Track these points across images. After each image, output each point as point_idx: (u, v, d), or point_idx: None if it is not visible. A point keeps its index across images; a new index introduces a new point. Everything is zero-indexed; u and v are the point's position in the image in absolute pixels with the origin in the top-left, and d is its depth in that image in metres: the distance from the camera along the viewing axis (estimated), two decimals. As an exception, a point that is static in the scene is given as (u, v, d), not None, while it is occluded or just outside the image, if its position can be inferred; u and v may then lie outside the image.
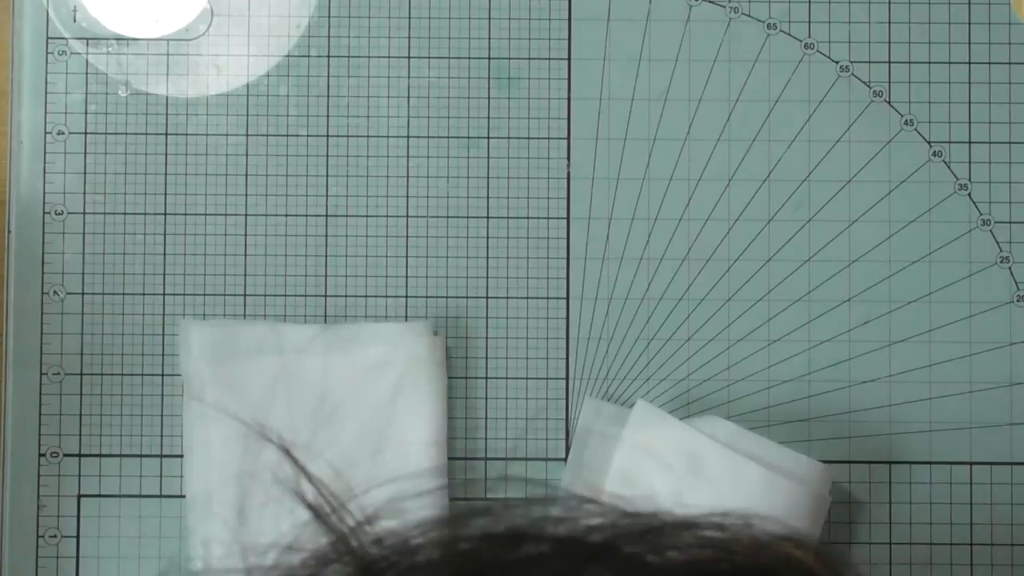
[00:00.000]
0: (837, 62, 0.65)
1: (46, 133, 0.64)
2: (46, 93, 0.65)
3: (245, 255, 0.64)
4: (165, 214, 0.64)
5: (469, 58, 0.65)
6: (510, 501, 0.28)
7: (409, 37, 0.65)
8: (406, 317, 0.64)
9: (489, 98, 0.65)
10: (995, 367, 0.64)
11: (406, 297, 0.64)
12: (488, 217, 0.65)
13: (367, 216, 0.64)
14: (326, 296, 0.64)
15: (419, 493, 0.29)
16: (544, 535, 0.27)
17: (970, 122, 0.65)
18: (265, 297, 0.64)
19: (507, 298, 0.64)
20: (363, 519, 0.29)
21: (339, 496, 0.30)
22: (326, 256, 0.64)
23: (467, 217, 0.65)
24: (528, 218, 0.65)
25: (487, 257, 0.64)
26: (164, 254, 0.64)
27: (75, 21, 0.65)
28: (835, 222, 0.64)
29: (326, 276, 0.64)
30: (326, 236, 0.64)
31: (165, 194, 0.64)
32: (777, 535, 0.28)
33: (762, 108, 0.65)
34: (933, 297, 0.64)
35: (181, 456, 0.63)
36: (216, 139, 0.65)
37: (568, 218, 0.65)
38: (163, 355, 0.64)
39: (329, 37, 0.65)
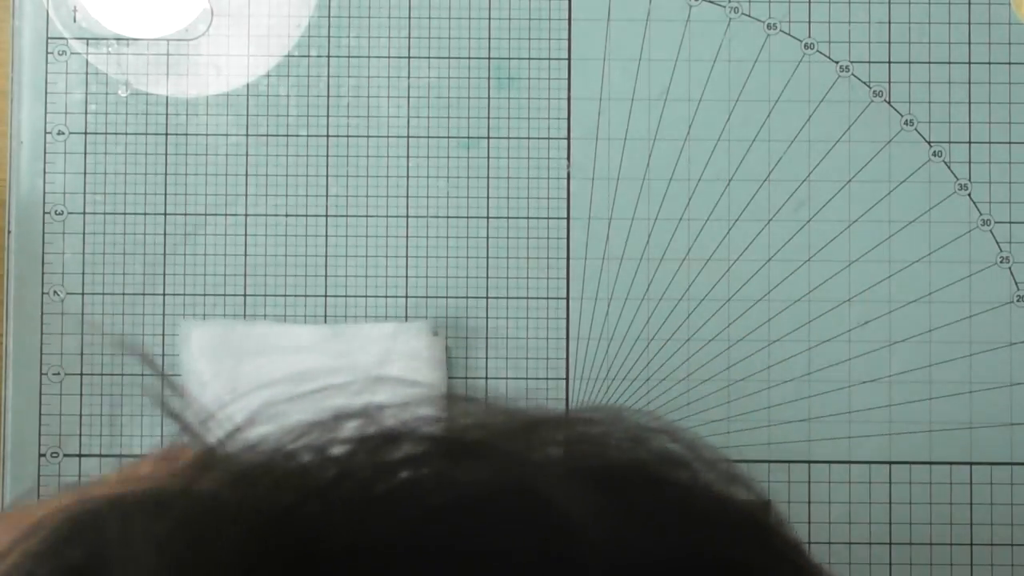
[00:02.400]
0: (837, 62, 0.65)
1: (46, 133, 0.64)
2: (46, 93, 0.65)
3: (245, 255, 0.64)
4: (165, 214, 0.64)
5: (469, 58, 0.65)
6: (383, 404, 0.28)
7: (409, 37, 0.65)
8: (406, 317, 0.64)
9: (489, 98, 0.65)
10: (995, 367, 0.64)
11: (406, 297, 0.64)
12: (488, 217, 0.65)
13: (367, 216, 0.64)
14: (326, 296, 0.64)
15: (294, 397, 0.28)
16: (420, 435, 0.27)
17: (970, 122, 0.65)
18: (265, 297, 0.64)
19: (507, 298, 0.64)
20: (233, 427, 0.28)
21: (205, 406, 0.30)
22: (326, 256, 0.64)
23: (467, 217, 0.65)
24: (528, 218, 0.65)
25: (487, 257, 0.64)
26: (164, 254, 0.64)
27: (75, 21, 0.65)
28: (835, 222, 0.64)
29: (326, 276, 0.64)
30: (326, 236, 0.64)
31: (165, 194, 0.64)
32: (651, 428, 0.27)
33: (762, 108, 0.65)
34: (933, 297, 0.64)
35: (181, 456, 0.63)
36: (216, 139, 0.65)
37: (568, 218, 0.65)
38: (163, 355, 0.64)
39: (329, 37, 0.65)
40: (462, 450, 0.27)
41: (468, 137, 0.65)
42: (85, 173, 0.65)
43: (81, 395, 0.64)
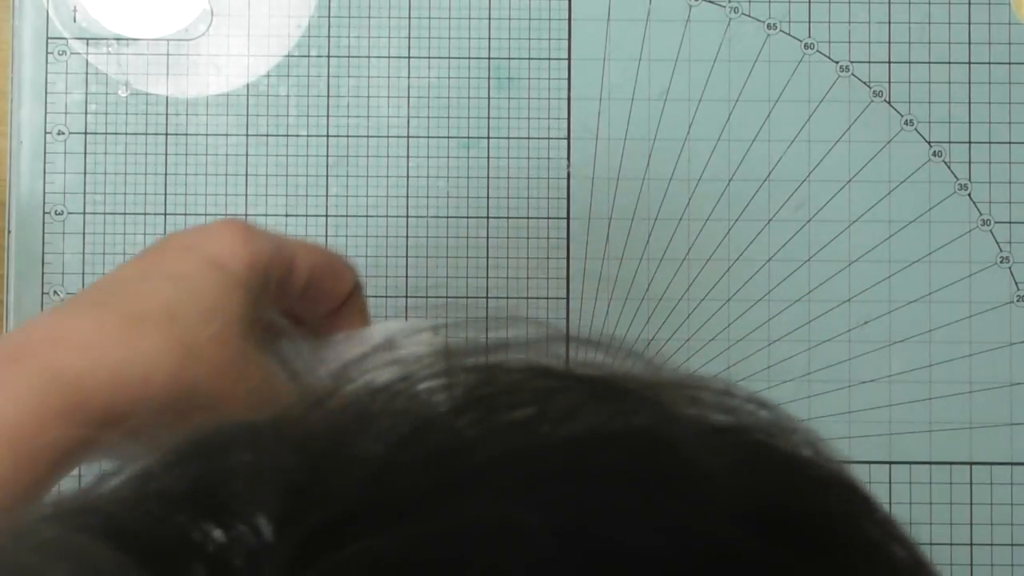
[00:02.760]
0: (837, 62, 0.65)
1: (46, 133, 0.64)
2: (46, 93, 0.65)
3: (245, 255, 0.64)
4: (165, 214, 0.64)
5: (469, 58, 0.65)
6: (512, 339, 0.28)
7: (409, 37, 0.65)
8: (406, 317, 0.64)
9: (489, 98, 0.65)
10: (995, 367, 0.64)
11: (406, 297, 0.64)
12: (488, 217, 0.65)
13: (367, 216, 0.64)
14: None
15: (416, 329, 0.29)
16: (549, 370, 0.28)
17: (970, 122, 0.65)
18: (265, 297, 0.64)
19: (507, 298, 0.64)
20: (354, 358, 0.29)
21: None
22: (326, 256, 0.64)
23: (467, 217, 0.65)
24: (528, 218, 0.65)
25: (487, 257, 0.64)
26: (164, 254, 0.64)
27: (75, 21, 0.65)
28: (835, 222, 0.64)
29: (326, 276, 0.64)
30: (326, 236, 0.64)
31: (165, 194, 0.64)
32: (760, 399, 0.28)
33: (762, 108, 0.65)
34: (933, 297, 0.64)
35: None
36: (216, 139, 0.65)
37: (568, 218, 0.65)
38: (163, 355, 0.64)
39: (329, 37, 0.65)
40: (590, 388, 0.27)
41: (468, 137, 0.65)
42: (85, 173, 0.65)
43: (81, 395, 0.64)
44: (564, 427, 0.26)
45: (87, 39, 0.65)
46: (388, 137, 0.65)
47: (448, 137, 0.65)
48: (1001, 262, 0.64)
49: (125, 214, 0.64)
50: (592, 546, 0.24)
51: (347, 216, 0.64)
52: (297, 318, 0.47)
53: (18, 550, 0.25)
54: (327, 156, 0.65)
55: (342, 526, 0.24)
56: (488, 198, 0.65)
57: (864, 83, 0.65)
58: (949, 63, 0.65)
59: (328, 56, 0.65)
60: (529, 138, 0.65)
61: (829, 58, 0.65)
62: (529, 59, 0.65)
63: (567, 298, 0.64)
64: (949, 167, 0.65)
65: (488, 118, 0.65)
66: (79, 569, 0.24)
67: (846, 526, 0.27)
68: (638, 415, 0.27)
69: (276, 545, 0.24)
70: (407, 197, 0.65)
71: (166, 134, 0.65)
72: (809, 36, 0.65)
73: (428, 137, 0.65)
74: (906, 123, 0.65)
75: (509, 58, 0.65)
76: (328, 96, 0.65)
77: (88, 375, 0.39)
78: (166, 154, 0.65)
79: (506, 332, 0.29)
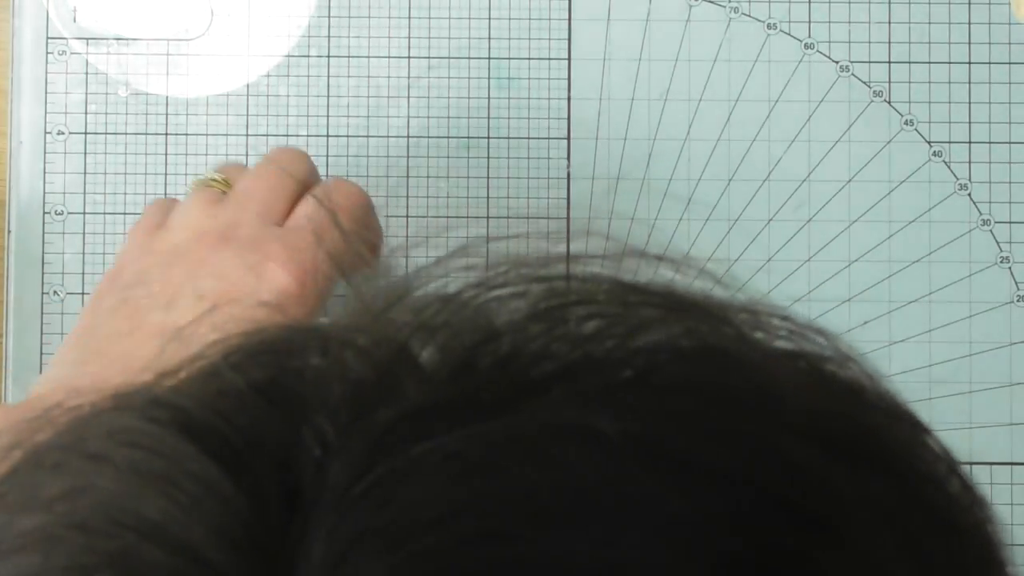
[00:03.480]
0: (837, 62, 0.65)
1: (46, 133, 0.64)
2: (46, 93, 0.65)
3: (245, 255, 0.64)
4: (165, 214, 0.64)
5: (469, 58, 0.65)
6: (587, 253, 0.29)
7: (409, 37, 0.65)
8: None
9: (489, 98, 0.65)
10: (995, 367, 0.64)
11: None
12: (488, 217, 0.65)
13: (367, 216, 0.64)
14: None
15: (494, 239, 0.29)
16: (634, 287, 0.28)
17: (970, 122, 0.65)
18: (265, 297, 0.64)
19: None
20: (427, 264, 0.29)
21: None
22: (326, 256, 0.64)
23: (467, 217, 0.64)
24: (528, 218, 0.65)
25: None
26: (164, 254, 0.64)
27: (75, 21, 0.65)
28: (835, 222, 0.64)
29: (326, 276, 0.64)
30: (326, 236, 0.64)
31: (165, 194, 0.64)
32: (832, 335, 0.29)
33: (762, 108, 0.65)
34: (933, 297, 0.64)
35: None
36: (216, 139, 0.65)
37: (568, 218, 0.65)
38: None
39: (329, 37, 0.65)
40: (664, 302, 0.28)
41: (468, 137, 0.65)
42: (85, 173, 0.64)
43: (81, 395, 0.64)
44: (637, 339, 0.26)
45: (87, 39, 0.65)
46: (388, 137, 0.65)
47: (448, 137, 0.65)
48: (1001, 262, 0.64)
49: (125, 214, 0.64)
50: (667, 456, 0.24)
51: (347, 216, 0.64)
52: None
53: (87, 437, 0.25)
54: (327, 156, 0.65)
55: (409, 425, 0.24)
56: (488, 198, 0.65)
57: (864, 83, 0.65)
58: (949, 63, 0.65)
59: (328, 56, 0.65)
60: (529, 138, 0.65)
61: (829, 58, 0.65)
62: (529, 59, 0.65)
63: (567, 298, 0.64)
64: (949, 167, 0.64)
65: (488, 118, 0.65)
66: (149, 457, 0.24)
67: (910, 454, 0.27)
68: (710, 333, 0.27)
69: (342, 444, 0.24)
70: (407, 197, 0.65)
71: (166, 134, 0.65)
72: (809, 36, 0.65)
73: (428, 137, 0.65)
74: (906, 123, 0.65)
75: (509, 58, 0.65)
76: (328, 96, 0.65)
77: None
78: (166, 154, 0.65)
79: (584, 245, 0.29)
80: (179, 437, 0.24)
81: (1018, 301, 0.64)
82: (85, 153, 0.65)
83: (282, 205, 0.54)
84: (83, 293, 0.64)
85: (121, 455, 0.24)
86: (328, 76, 0.65)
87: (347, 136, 0.65)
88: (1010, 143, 0.64)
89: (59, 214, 0.64)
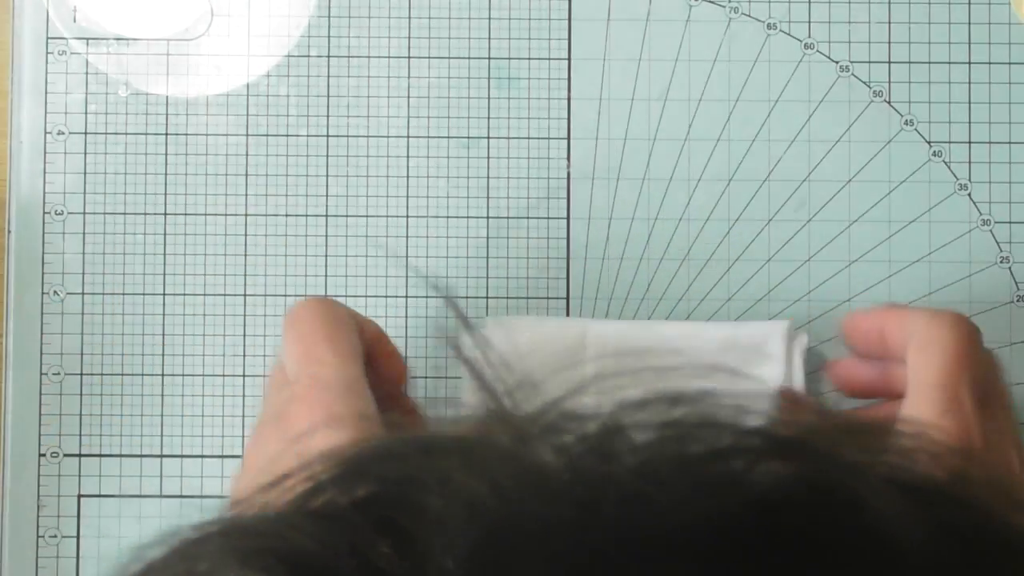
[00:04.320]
0: (837, 62, 0.65)
1: (46, 133, 0.64)
2: (46, 93, 0.65)
3: (245, 255, 0.64)
4: (165, 214, 0.64)
5: (469, 58, 0.65)
6: (717, 392, 0.28)
7: (409, 37, 0.65)
8: (405, 318, 0.64)
9: (489, 98, 0.65)
10: (995, 367, 0.64)
11: (406, 297, 0.64)
12: (488, 217, 0.65)
13: (367, 216, 0.64)
14: (326, 296, 0.64)
15: (625, 371, 0.28)
16: (742, 427, 0.27)
17: (970, 122, 0.65)
18: (265, 297, 0.64)
19: (507, 298, 0.64)
20: (559, 393, 0.27)
21: (504, 357, 0.29)
22: (326, 256, 0.64)
23: (467, 217, 0.65)
24: (528, 218, 0.65)
25: (487, 257, 0.64)
26: (164, 254, 0.64)
27: (75, 21, 0.65)
28: (835, 222, 0.64)
29: (326, 276, 0.64)
30: (326, 236, 0.64)
31: (165, 194, 0.64)
32: (949, 447, 0.27)
33: (762, 108, 0.65)
34: (933, 297, 0.64)
35: (181, 456, 0.63)
36: (216, 139, 0.65)
37: (568, 218, 0.65)
38: (163, 355, 0.64)
39: (329, 37, 0.65)
40: (779, 445, 0.27)
41: (468, 137, 0.65)
42: (85, 173, 0.65)
43: (81, 395, 0.64)
44: (754, 487, 0.25)
45: (87, 39, 0.65)
46: (388, 137, 0.65)
47: (448, 137, 0.65)
48: (1001, 262, 0.64)
49: (125, 214, 0.64)
50: None
51: (347, 216, 0.64)
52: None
53: (195, 561, 0.24)
54: (327, 156, 0.65)
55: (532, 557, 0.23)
56: (488, 198, 0.65)
57: (864, 83, 0.65)
58: (949, 63, 0.65)
59: (328, 56, 0.65)
60: (529, 138, 0.65)
61: (829, 58, 0.65)
62: (529, 59, 0.65)
63: (567, 298, 0.64)
64: (949, 167, 0.64)
65: (488, 118, 0.65)
66: None
67: None
68: (825, 474, 0.26)
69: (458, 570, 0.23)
70: (407, 197, 0.65)
71: (166, 134, 0.65)
72: (809, 36, 0.65)
73: (428, 137, 0.65)
74: (906, 123, 0.65)
75: (509, 58, 0.65)
76: (328, 96, 0.65)
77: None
78: (166, 154, 0.65)
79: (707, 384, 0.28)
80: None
81: (1018, 301, 0.64)
82: (85, 153, 0.65)
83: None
84: (83, 293, 0.64)
85: None
86: (328, 76, 0.65)
87: (347, 136, 0.65)
88: (1010, 143, 0.64)
89: (59, 214, 0.64)
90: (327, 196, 0.64)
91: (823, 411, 0.29)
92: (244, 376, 0.64)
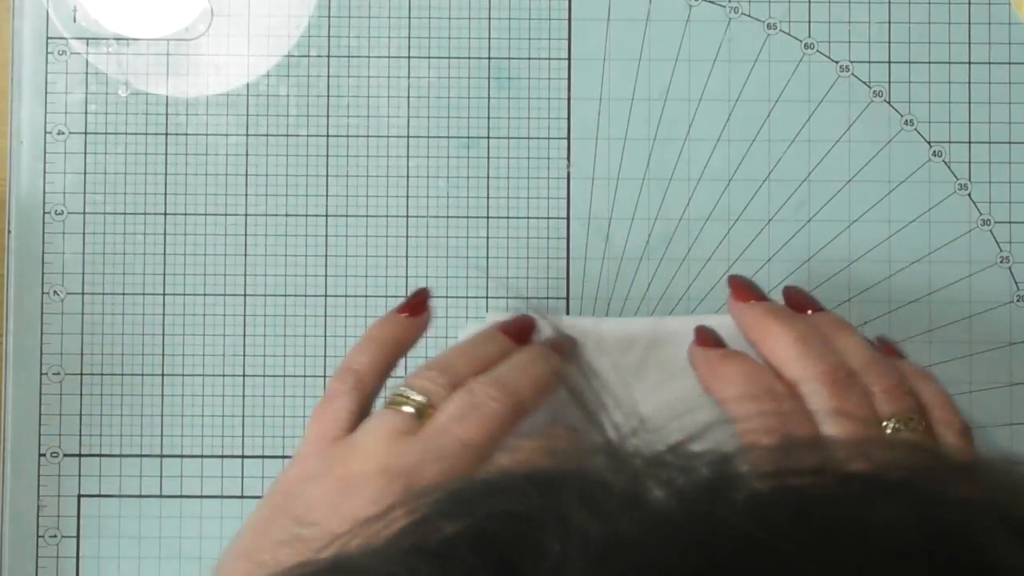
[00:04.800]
0: (837, 62, 0.65)
1: (46, 133, 0.64)
2: (46, 93, 0.65)
3: (245, 255, 0.64)
4: (165, 214, 0.64)
5: (469, 58, 0.65)
6: (834, 439, 0.27)
7: (409, 37, 0.65)
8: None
9: (489, 98, 0.65)
10: (995, 367, 0.64)
11: (406, 297, 0.64)
12: (488, 217, 0.65)
13: (367, 216, 0.64)
14: (326, 296, 0.64)
15: (745, 418, 0.27)
16: (841, 472, 0.26)
17: (970, 122, 0.65)
18: (265, 297, 0.64)
19: (507, 298, 0.64)
20: (677, 440, 0.27)
21: (614, 392, 0.28)
22: (326, 256, 0.64)
23: (467, 217, 0.65)
24: (528, 218, 0.65)
25: (487, 257, 0.64)
26: (164, 254, 0.64)
27: (75, 21, 0.65)
28: (835, 222, 0.64)
29: (326, 276, 0.64)
30: (326, 236, 0.64)
31: (165, 194, 0.64)
32: None
33: (762, 108, 0.65)
34: (933, 297, 0.64)
35: (181, 456, 0.63)
36: (216, 139, 0.65)
37: (568, 218, 0.65)
38: (163, 355, 0.64)
39: (329, 37, 0.65)
40: (883, 489, 0.26)
41: (468, 137, 0.65)
42: (85, 173, 0.65)
43: (81, 395, 0.64)
44: (870, 534, 0.25)
45: (87, 39, 0.65)
46: (388, 137, 0.65)
47: (448, 137, 0.65)
48: (1001, 262, 0.64)
49: (125, 214, 0.64)
50: None
51: (347, 216, 0.64)
52: None
53: None
54: (327, 156, 0.65)
55: None
56: (488, 198, 0.65)
57: (864, 83, 0.65)
58: (949, 63, 0.65)
59: (328, 56, 0.65)
60: (529, 138, 0.65)
61: (829, 58, 0.65)
62: (529, 59, 0.65)
63: (567, 298, 0.64)
64: (949, 167, 0.64)
65: (488, 118, 0.65)
66: None
67: None
68: (939, 517, 0.25)
69: None
70: (407, 197, 0.65)
71: (166, 134, 0.65)
72: (809, 36, 0.65)
73: (428, 137, 0.65)
74: (906, 123, 0.65)
75: (509, 58, 0.65)
76: (328, 96, 0.65)
77: None
78: (166, 154, 0.65)
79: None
80: None
81: (1018, 301, 0.64)
82: (85, 153, 0.65)
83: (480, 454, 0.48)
84: (83, 293, 0.64)
85: None
86: (328, 76, 0.65)
87: (347, 136, 0.65)
88: (1010, 143, 0.64)
89: (59, 214, 0.64)
90: (327, 196, 0.64)
91: (931, 449, 0.29)
92: (244, 376, 0.64)
